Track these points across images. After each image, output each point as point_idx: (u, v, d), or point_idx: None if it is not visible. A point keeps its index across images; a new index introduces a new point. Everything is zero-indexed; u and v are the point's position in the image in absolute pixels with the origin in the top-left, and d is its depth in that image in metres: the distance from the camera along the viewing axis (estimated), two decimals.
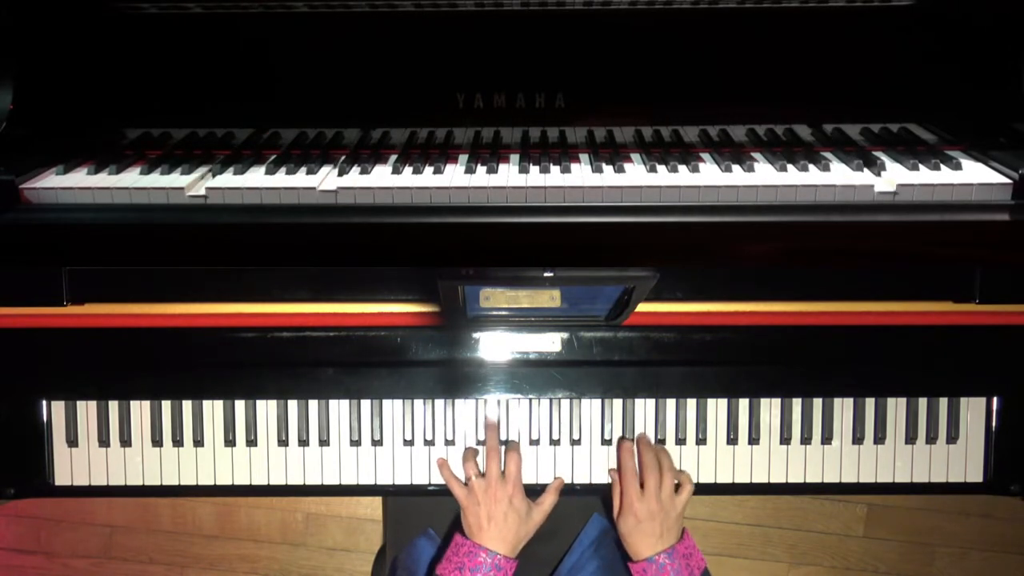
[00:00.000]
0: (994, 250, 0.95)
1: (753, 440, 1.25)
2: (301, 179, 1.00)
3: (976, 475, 1.26)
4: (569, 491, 1.26)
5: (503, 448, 1.21)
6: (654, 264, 0.98)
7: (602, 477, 1.25)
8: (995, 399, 1.25)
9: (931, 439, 1.26)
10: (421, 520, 1.35)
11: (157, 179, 1.00)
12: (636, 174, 1.00)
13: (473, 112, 1.08)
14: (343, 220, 0.96)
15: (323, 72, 1.08)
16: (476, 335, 1.22)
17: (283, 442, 1.24)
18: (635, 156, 1.06)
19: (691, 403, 1.25)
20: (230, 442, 1.24)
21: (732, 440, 1.25)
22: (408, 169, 1.01)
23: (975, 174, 0.99)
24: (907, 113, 1.09)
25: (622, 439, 1.24)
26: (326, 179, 0.99)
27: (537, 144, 1.10)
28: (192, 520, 2.19)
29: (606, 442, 1.25)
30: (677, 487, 1.18)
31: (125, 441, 1.24)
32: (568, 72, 1.07)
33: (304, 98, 1.09)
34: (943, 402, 1.26)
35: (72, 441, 1.23)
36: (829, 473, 1.26)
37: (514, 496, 1.15)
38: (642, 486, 1.15)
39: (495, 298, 1.12)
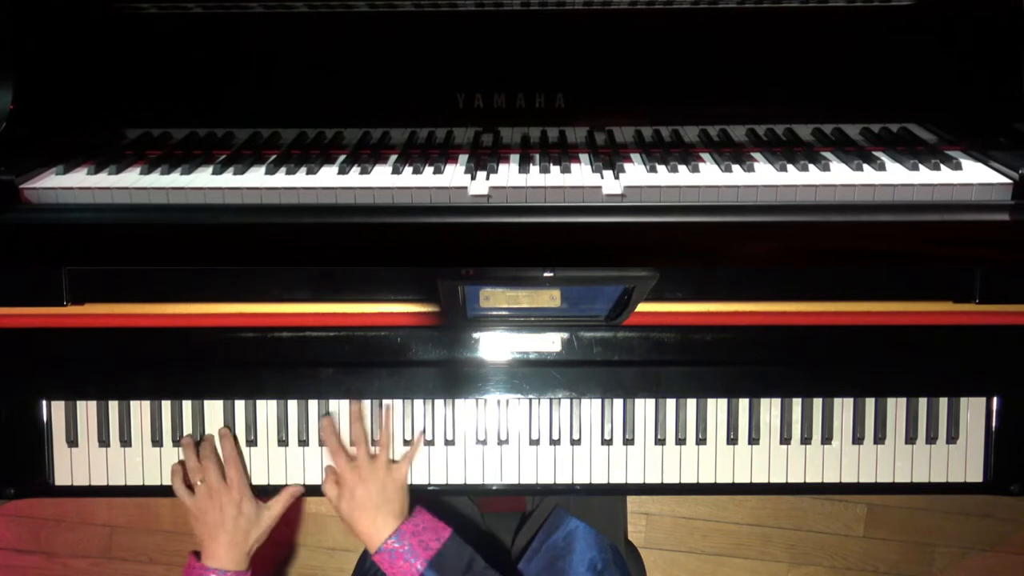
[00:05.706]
0: (994, 250, 0.95)
1: (753, 440, 1.25)
2: (301, 179, 1.00)
3: (976, 475, 1.26)
4: (569, 491, 1.26)
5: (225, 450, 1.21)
6: (654, 264, 0.98)
7: (602, 477, 1.25)
8: (995, 399, 1.25)
9: (931, 439, 1.26)
10: None
11: (157, 179, 1.00)
12: (636, 174, 1.00)
13: (473, 112, 1.08)
14: (343, 220, 0.96)
15: (323, 72, 1.08)
16: (476, 335, 1.22)
17: (283, 442, 1.24)
18: (635, 156, 1.06)
19: (691, 403, 1.25)
20: None
21: (732, 440, 1.25)
22: (408, 169, 1.01)
23: (975, 174, 0.99)
24: (907, 113, 1.09)
25: (325, 416, 1.22)
26: (326, 179, 1.00)
27: (537, 144, 1.10)
28: None
29: (606, 442, 1.25)
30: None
31: (125, 441, 1.24)
32: (568, 72, 1.07)
33: (304, 98, 1.09)
34: (943, 402, 1.26)
35: (72, 441, 1.23)
36: (829, 473, 1.26)
37: (242, 501, 1.16)
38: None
39: (495, 298, 1.11)
